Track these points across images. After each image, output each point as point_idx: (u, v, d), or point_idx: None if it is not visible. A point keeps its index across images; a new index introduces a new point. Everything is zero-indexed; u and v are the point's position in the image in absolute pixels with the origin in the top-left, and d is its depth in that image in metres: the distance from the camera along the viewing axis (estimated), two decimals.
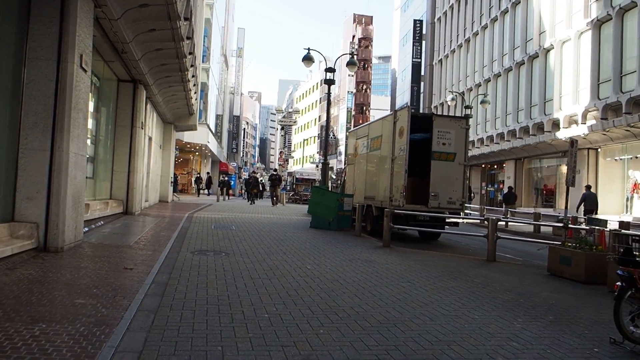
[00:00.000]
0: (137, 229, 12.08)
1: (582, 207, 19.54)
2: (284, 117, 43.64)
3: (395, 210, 12.90)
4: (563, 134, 26.64)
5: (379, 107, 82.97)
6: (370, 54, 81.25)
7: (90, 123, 11.79)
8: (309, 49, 21.36)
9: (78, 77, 8.18)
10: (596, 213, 19.56)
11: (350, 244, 11.81)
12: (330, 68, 21.54)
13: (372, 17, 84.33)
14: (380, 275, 7.89)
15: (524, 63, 31.65)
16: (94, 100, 12.63)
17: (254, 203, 28.01)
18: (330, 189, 17.97)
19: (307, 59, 21.33)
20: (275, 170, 28.53)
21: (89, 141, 11.71)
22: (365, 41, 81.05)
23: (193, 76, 18.43)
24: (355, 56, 22.82)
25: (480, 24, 37.93)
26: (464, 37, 41.22)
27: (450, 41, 44.37)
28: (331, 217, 15.04)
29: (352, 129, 19.85)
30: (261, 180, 35.82)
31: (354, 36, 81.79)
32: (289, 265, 8.25)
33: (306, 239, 12.40)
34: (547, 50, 29.17)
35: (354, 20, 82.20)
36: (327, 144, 21.84)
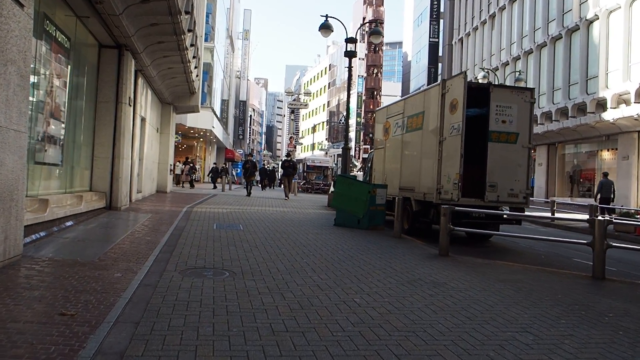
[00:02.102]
0: (115, 232, 9.31)
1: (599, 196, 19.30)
2: (294, 100, 40.65)
3: (443, 205, 10.10)
4: (610, 115, 23.64)
5: (388, 93, 79.76)
6: (382, 37, 77.75)
7: (59, 96, 9.01)
8: (326, 16, 18.44)
9: (5, 12, 5.37)
10: (613, 201, 19.43)
11: (395, 252, 8.99)
12: (351, 38, 18.62)
13: None
14: (470, 315, 5.08)
15: (560, 37, 28.54)
16: (65, 67, 9.83)
17: (250, 194, 22.36)
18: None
19: (325, 28, 18.41)
20: (289, 155, 23.98)
21: (49, 118, 8.93)
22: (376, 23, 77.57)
23: (192, 45, 15.58)
24: (367, 35, 19.55)
25: None
26: (488, 12, 38.05)
27: (472, 18, 41.17)
28: (361, 213, 12.23)
29: (381, 106, 16.92)
30: (272, 167, 32.40)
31: (364, 18, 78.37)
32: (327, 297, 5.45)
33: (335, 243, 9.59)
34: (590, 22, 26.04)
35: (364, 2, 78.72)
36: (347, 124, 18.97)
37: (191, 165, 32.99)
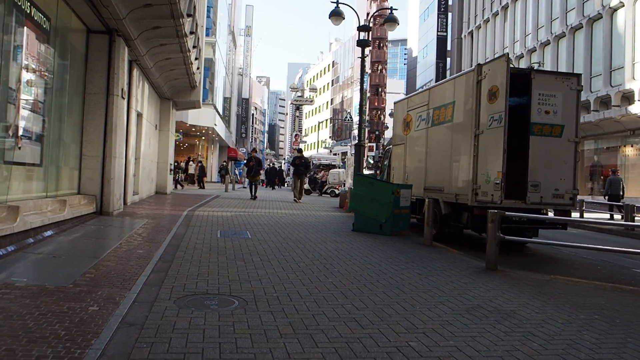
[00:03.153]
0: (102, 243, 7.92)
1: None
2: (299, 96, 39.16)
3: (492, 210, 8.76)
4: (638, 107, 22.19)
5: (391, 90, 78.21)
6: (386, 32, 76.17)
7: (36, 85, 7.64)
8: (337, 2, 17.02)
9: None
10: (622, 198, 18.84)
11: (432, 265, 7.60)
12: (364, 26, 17.22)
13: None
14: None
15: (581, 27, 27.07)
16: (44, 51, 8.47)
17: (255, 196, 19.71)
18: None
19: (336, 15, 17.01)
20: (300, 151, 21.25)
21: (24, 110, 7.55)
22: (381, 18, 75.92)
23: (192, 33, 14.20)
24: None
25: None
26: (500, 4, 36.57)
27: (483, 10, 39.69)
28: (384, 217, 10.83)
29: (399, 98, 15.53)
30: (279, 167, 30.67)
31: (368, 13, 76.88)
32: (372, 340, 4.05)
33: (360, 254, 8.20)
34: (614, 10, 24.58)
35: None
36: (361, 118, 17.57)
37: (200, 164, 31.71)
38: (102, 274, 5.68)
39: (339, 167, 37.77)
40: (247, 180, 44.90)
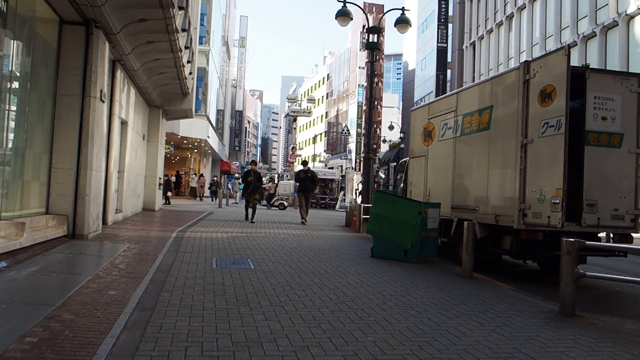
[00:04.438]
0: (64, 282, 6.18)
1: None
2: (292, 104, 37.43)
3: (568, 240, 7.20)
4: None
5: (385, 104, 76.90)
6: (383, 45, 75.16)
7: None
8: (344, 2, 15.50)
9: None
10: None
11: (491, 310, 5.93)
12: (374, 27, 15.71)
13: (383, 5, 78.22)
14: None
15: (594, 36, 25.78)
16: (7, 45, 6.84)
17: (253, 220, 15.63)
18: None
19: (343, 15, 15.49)
20: (305, 163, 17.61)
21: None
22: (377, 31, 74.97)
23: (184, 30, 12.61)
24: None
25: None
26: (504, 13, 35.37)
27: (486, 20, 38.50)
28: (409, 242, 9.17)
29: (417, 105, 13.94)
30: (276, 184, 28.54)
31: (364, 26, 75.83)
32: None
33: (394, 294, 6.52)
34: (631, 17, 23.29)
35: (364, 10, 76.02)
36: (370, 127, 15.99)
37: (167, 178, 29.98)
38: (50, 336, 3.97)
39: (338, 181, 36.15)
40: (237, 194, 42.72)
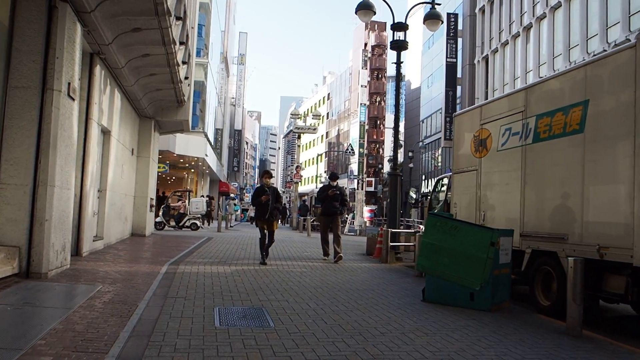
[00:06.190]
0: None
1: None
2: (297, 120, 35.16)
3: None
4: None
5: (387, 125, 74.96)
6: (385, 63, 73.77)
7: None
8: None
9: None
10: None
11: None
12: (399, 23, 13.53)
13: (385, 23, 76.77)
14: None
15: (628, 42, 23.65)
16: None
17: (265, 262, 10.33)
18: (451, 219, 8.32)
19: (365, 8, 13.34)
20: (335, 177, 12.81)
21: None
22: (379, 49, 73.52)
23: (179, 19, 10.39)
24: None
25: (548, 5, 30.12)
26: (521, 25, 33.42)
27: (500, 32, 36.56)
28: (479, 283, 6.80)
29: (462, 109, 11.68)
30: (283, 204, 24.48)
31: (366, 44, 74.37)
32: None
33: None
34: None
35: (366, 27, 74.63)
36: (397, 139, 13.65)
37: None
38: None
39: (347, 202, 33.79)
40: (233, 216, 39.69)
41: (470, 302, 6.88)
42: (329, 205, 11.83)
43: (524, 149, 8.18)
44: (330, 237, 12.03)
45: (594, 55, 24.21)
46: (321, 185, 12.86)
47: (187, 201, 24.01)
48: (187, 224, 21.70)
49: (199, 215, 22.28)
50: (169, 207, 22.53)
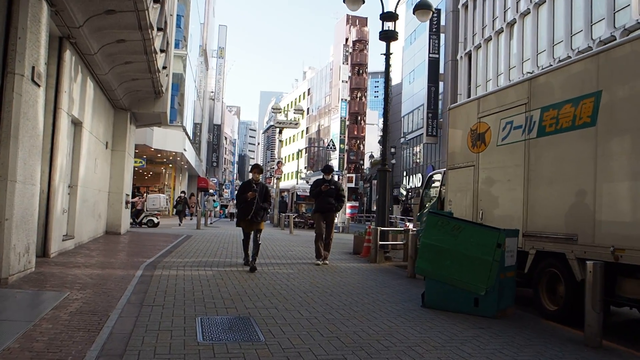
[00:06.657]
0: None
1: None
2: (278, 115, 34.46)
3: None
4: None
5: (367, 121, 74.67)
6: (366, 58, 73.36)
7: None
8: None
9: None
10: None
11: None
12: (389, 13, 12.96)
13: (366, 18, 76.51)
14: None
15: (613, 40, 23.51)
16: None
17: (254, 265, 9.09)
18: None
19: None
20: (329, 170, 11.18)
21: None
22: (360, 44, 73.07)
23: (156, 1, 9.66)
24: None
25: (532, 1, 29.91)
26: (505, 20, 33.23)
27: (483, 28, 36.34)
28: (484, 287, 6.28)
29: (461, 100, 11.11)
30: (143, 199, 22.59)
31: (347, 39, 73.78)
32: None
33: None
34: None
35: (347, 22, 74.13)
36: (385, 134, 13.13)
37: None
38: None
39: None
40: (212, 212, 38.72)
41: (474, 309, 6.36)
42: (324, 201, 10.68)
43: (528, 144, 7.68)
44: None
45: (580, 50, 24.04)
46: (314, 179, 11.62)
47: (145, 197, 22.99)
48: (144, 220, 20.86)
49: (156, 212, 21.35)
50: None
